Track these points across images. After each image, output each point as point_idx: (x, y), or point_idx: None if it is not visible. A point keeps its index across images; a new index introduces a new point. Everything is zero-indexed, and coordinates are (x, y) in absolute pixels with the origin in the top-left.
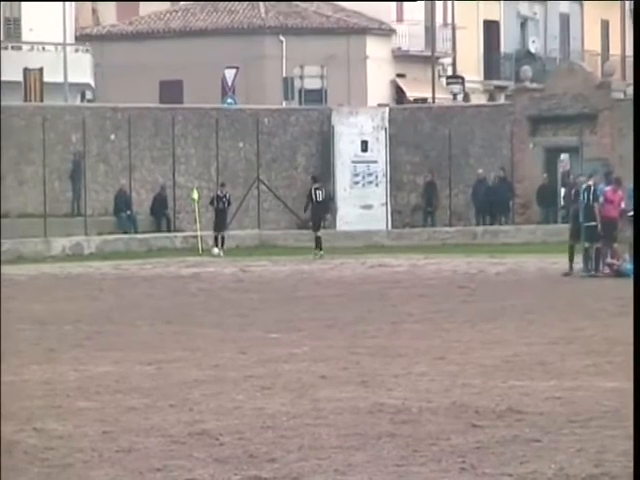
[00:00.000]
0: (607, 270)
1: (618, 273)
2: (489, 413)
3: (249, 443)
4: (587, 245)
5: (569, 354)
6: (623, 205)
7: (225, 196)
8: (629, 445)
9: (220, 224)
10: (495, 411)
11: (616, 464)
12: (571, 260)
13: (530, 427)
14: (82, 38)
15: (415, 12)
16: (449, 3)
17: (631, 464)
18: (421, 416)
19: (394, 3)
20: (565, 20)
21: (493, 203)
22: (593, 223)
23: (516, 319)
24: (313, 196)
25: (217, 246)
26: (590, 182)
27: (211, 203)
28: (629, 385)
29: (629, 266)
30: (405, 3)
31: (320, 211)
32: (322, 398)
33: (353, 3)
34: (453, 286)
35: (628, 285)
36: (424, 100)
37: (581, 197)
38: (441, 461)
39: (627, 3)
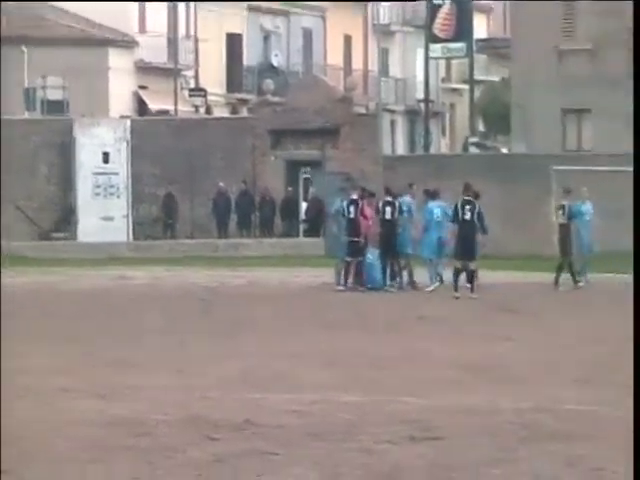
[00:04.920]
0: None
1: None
2: (226, 426)
3: None
4: (349, 260)
5: (307, 367)
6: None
7: None
8: (365, 459)
9: None
10: (232, 424)
11: (351, 477)
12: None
13: (267, 440)
14: None
15: (157, 24)
16: (192, 15)
17: (367, 475)
18: (157, 429)
19: (136, 15)
20: (308, 34)
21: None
22: (357, 239)
23: (256, 332)
24: None
25: None
26: (354, 196)
27: None
28: (366, 398)
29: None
30: (147, 14)
31: None
32: (58, 410)
33: (96, 15)
34: (193, 299)
35: (368, 298)
36: (166, 112)
37: (345, 211)
38: (176, 474)
39: (369, 19)
